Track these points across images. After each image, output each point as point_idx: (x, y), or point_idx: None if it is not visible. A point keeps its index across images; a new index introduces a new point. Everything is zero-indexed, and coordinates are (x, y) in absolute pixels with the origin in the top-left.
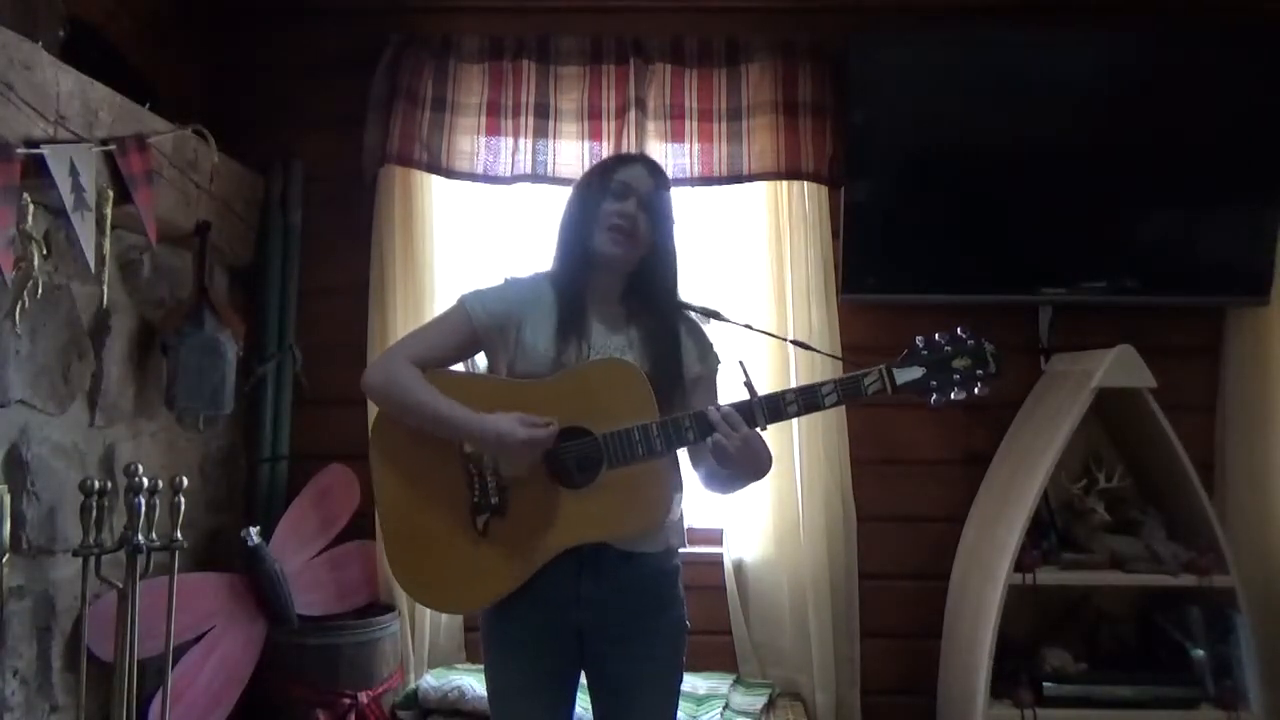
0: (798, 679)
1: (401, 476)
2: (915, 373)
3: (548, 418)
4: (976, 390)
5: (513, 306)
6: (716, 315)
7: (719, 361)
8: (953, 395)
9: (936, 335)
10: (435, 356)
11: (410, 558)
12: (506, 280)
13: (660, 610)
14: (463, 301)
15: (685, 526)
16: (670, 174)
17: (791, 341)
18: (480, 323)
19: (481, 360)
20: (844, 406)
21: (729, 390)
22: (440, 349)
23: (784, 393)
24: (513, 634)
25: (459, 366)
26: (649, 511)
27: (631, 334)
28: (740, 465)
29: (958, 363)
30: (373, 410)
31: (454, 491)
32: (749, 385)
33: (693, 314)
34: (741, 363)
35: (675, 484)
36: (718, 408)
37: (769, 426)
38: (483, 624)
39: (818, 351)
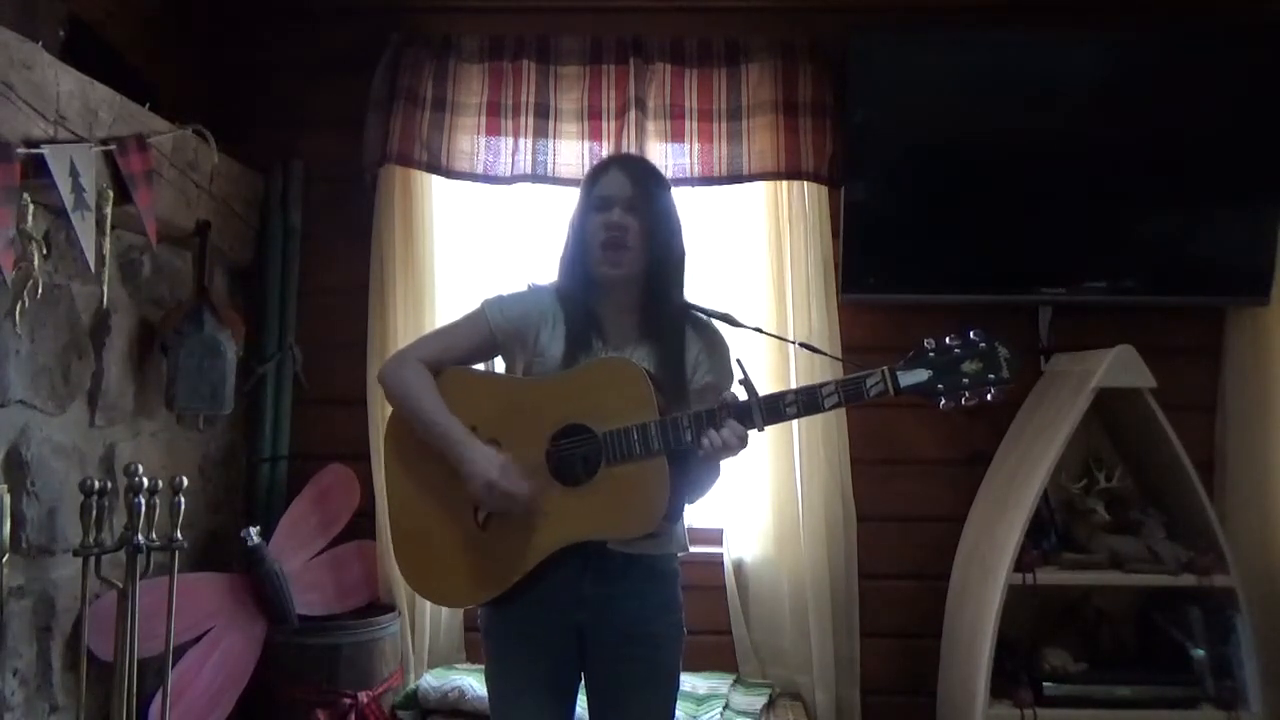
0: (798, 679)
1: (410, 472)
2: (920, 375)
3: (532, 469)
4: (988, 396)
5: (531, 312)
6: (728, 319)
7: (732, 378)
8: (962, 400)
9: (948, 338)
10: (451, 358)
11: (414, 552)
12: (529, 286)
13: (660, 613)
14: (483, 306)
15: (687, 531)
16: (670, 174)
17: (801, 344)
18: (498, 327)
19: (498, 363)
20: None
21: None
22: (456, 350)
23: (784, 393)
24: (514, 634)
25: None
26: (644, 513)
27: (641, 346)
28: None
29: (967, 366)
30: (373, 410)
31: (457, 487)
32: (747, 383)
33: (705, 317)
34: (740, 361)
35: (672, 488)
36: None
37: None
38: (483, 623)
39: (827, 355)
